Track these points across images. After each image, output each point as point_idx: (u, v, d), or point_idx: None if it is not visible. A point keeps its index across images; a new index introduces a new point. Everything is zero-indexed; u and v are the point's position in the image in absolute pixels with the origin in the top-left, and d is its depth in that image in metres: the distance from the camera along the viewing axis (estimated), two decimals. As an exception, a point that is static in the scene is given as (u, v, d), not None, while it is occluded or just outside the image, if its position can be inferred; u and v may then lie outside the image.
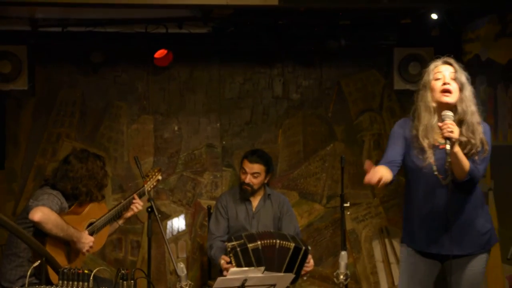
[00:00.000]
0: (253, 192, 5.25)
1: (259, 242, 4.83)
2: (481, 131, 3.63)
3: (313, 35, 5.86)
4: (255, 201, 5.29)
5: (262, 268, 4.00)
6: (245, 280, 3.82)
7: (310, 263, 4.99)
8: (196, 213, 6.13)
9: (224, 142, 6.18)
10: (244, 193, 5.26)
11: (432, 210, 3.67)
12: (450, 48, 5.92)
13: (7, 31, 5.70)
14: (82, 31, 5.76)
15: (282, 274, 4.07)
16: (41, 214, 4.19)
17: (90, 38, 5.77)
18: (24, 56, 5.64)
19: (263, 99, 6.22)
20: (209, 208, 5.71)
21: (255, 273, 3.90)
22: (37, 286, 3.59)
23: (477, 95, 5.58)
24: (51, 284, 3.74)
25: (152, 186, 4.88)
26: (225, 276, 4.82)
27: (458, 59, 5.87)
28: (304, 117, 6.23)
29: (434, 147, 3.65)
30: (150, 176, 4.88)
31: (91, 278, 3.50)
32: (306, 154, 6.22)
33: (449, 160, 3.50)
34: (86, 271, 3.52)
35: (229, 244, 4.88)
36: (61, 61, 6.01)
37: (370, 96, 6.25)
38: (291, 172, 6.20)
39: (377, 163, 3.76)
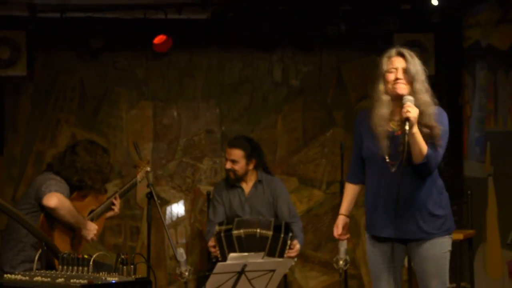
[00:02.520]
0: (239, 178, 5.23)
1: (242, 231, 4.90)
2: (433, 119, 3.67)
3: (313, 20, 5.84)
4: (248, 187, 5.29)
5: (262, 253, 4.01)
6: (245, 265, 3.82)
7: (294, 248, 5.00)
8: (195, 199, 6.13)
9: (223, 128, 6.17)
10: (229, 178, 5.27)
11: (385, 196, 3.72)
12: (450, 34, 5.93)
13: (6, 16, 5.67)
14: (81, 16, 5.72)
15: (282, 259, 4.08)
16: (56, 200, 4.24)
17: (89, 24, 5.74)
18: (23, 42, 5.63)
19: (263, 84, 6.20)
20: (208, 194, 5.71)
21: (255, 258, 3.90)
22: (36, 271, 3.59)
23: (477, 81, 5.64)
24: (55, 269, 3.74)
25: (142, 177, 4.87)
26: (213, 259, 4.90)
27: (459, 45, 5.95)
28: (303, 103, 6.21)
29: (390, 135, 3.72)
30: (141, 167, 4.88)
31: (90, 263, 3.51)
32: (305, 140, 6.21)
33: (405, 142, 3.56)
34: (85, 256, 3.53)
35: (217, 228, 4.96)
36: (60, 47, 5.98)
37: (369, 82, 6.22)
38: (291, 158, 6.20)
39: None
